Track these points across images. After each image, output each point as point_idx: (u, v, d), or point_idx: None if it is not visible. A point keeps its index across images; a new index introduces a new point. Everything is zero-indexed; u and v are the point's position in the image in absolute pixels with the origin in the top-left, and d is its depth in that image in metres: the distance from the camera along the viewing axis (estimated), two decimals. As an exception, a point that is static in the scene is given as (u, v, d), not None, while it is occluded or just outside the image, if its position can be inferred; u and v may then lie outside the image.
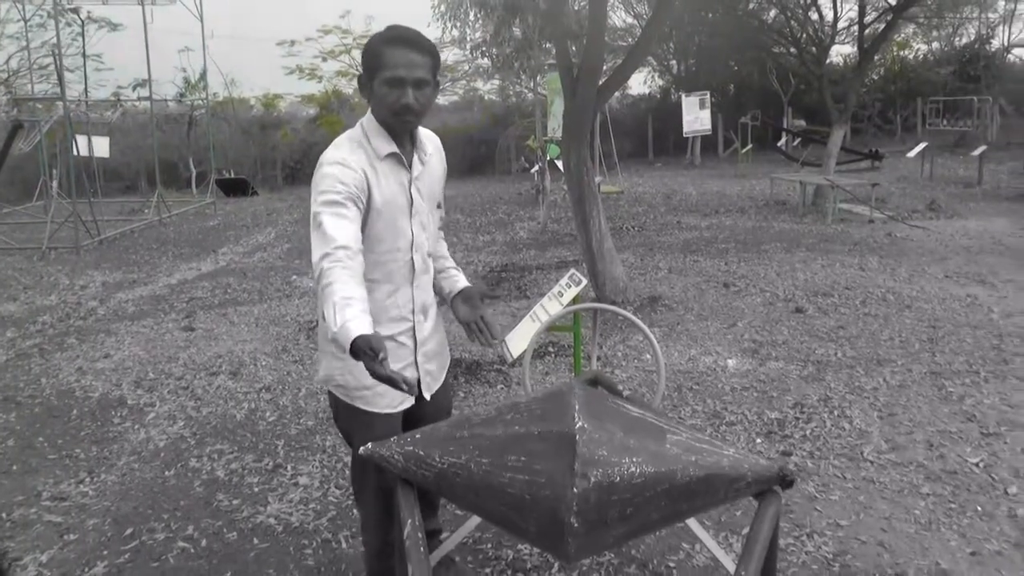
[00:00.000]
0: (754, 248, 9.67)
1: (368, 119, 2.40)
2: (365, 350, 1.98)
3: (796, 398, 4.81)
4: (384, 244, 2.40)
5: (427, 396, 2.58)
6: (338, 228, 2.20)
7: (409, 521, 2.26)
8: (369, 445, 2.41)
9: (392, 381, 2.01)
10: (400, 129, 2.37)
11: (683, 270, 8.51)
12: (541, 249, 10.31)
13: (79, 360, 6.01)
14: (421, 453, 2.32)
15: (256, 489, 3.86)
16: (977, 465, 3.90)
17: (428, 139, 2.56)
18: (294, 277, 9.12)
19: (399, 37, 2.31)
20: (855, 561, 3.15)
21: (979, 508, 3.52)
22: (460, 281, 2.72)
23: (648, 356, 5.67)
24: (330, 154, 2.34)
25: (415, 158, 2.46)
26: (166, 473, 4.07)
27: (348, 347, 2.00)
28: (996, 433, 4.24)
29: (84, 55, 18.52)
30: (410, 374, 2.51)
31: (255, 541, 3.39)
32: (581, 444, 2.06)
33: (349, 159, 2.31)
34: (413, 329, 2.52)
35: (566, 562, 2.34)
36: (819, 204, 12.68)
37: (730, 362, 5.48)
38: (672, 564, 3.15)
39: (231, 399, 5.08)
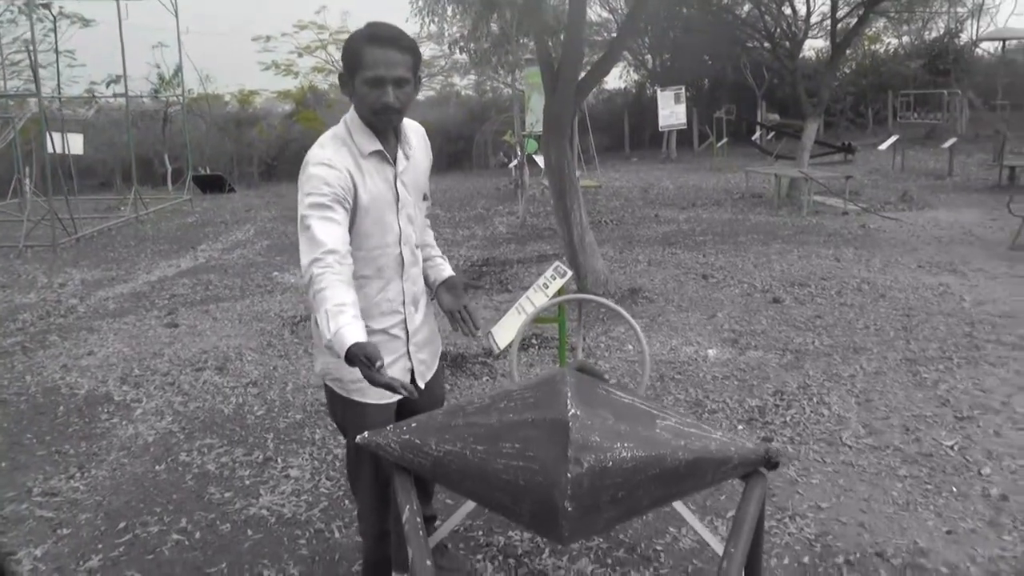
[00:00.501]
0: (731, 240, 9.78)
1: (351, 116, 2.41)
2: (360, 358, 2.03)
3: (776, 386, 4.91)
4: (372, 240, 2.43)
5: (421, 385, 2.62)
6: (326, 232, 2.22)
7: (407, 507, 2.31)
8: (365, 434, 2.45)
9: (390, 387, 2.06)
10: (382, 127, 2.39)
11: (662, 262, 8.60)
12: (521, 243, 10.37)
13: (63, 357, 5.99)
14: (417, 441, 2.37)
15: (247, 482, 3.89)
16: (952, 448, 4.01)
17: (413, 131, 2.57)
18: (275, 273, 9.10)
19: (379, 36, 2.30)
20: (836, 541, 3.24)
21: (954, 489, 3.63)
22: (445, 270, 2.76)
23: (631, 346, 5.75)
24: (315, 153, 2.35)
25: (400, 153, 2.47)
26: (156, 468, 4.08)
27: (343, 354, 2.04)
28: (969, 417, 4.36)
29: (57, 51, 18.27)
30: (403, 364, 2.56)
31: (249, 532, 3.43)
32: (574, 430, 2.12)
33: (334, 159, 2.32)
34: (405, 321, 2.56)
35: (560, 544, 2.41)
36: (794, 196, 12.82)
37: (711, 352, 5.57)
38: (659, 547, 3.23)
39: (218, 394, 5.09)
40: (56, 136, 14.02)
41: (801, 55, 18.99)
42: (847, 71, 26.71)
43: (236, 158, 23.97)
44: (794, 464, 3.90)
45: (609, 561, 3.14)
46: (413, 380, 2.60)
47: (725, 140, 20.55)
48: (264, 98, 28.72)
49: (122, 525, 3.50)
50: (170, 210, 15.78)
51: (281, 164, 24.07)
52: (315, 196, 2.25)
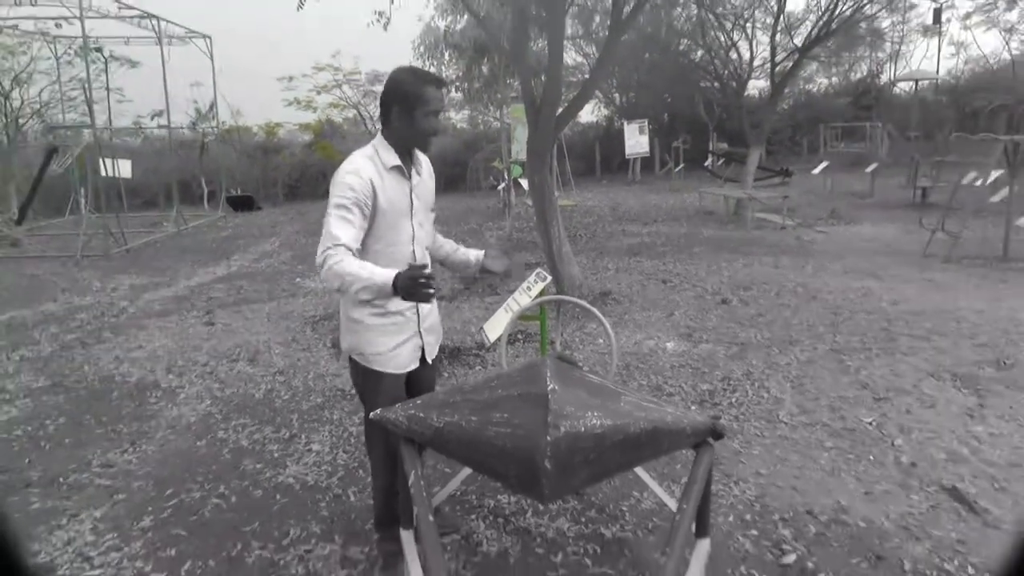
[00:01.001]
0: (687, 251, 9.86)
1: (379, 139, 2.56)
2: (405, 278, 2.21)
3: (724, 373, 4.98)
4: (389, 237, 2.56)
5: (429, 360, 2.76)
6: (341, 228, 2.37)
7: (412, 472, 2.37)
8: (378, 411, 2.51)
9: (426, 295, 2.21)
10: (422, 147, 2.60)
11: (628, 269, 8.66)
12: (507, 255, 10.40)
13: (116, 351, 5.99)
14: (421, 415, 2.43)
15: (276, 455, 3.92)
16: (870, 424, 4.09)
17: (422, 159, 2.74)
18: (298, 279, 9.10)
19: (435, 79, 2.56)
20: (772, 502, 3.31)
21: (872, 457, 3.71)
22: (473, 250, 3.00)
23: (601, 340, 5.80)
24: (345, 166, 2.51)
25: (413, 171, 2.63)
26: (198, 443, 4.11)
27: (390, 283, 2.22)
28: (885, 398, 4.44)
29: (108, 88, 18.20)
30: (415, 343, 2.70)
31: (277, 497, 3.46)
32: (553, 401, 2.18)
33: (360, 170, 2.47)
34: (416, 307, 2.68)
35: (541, 502, 2.45)
36: (740, 214, 12.90)
37: (669, 344, 5.64)
38: (625, 508, 3.28)
39: (250, 381, 5.12)
40: (108, 161, 13.96)
41: (746, 93, 19.13)
42: (786, 106, 26.89)
43: (263, 181, 23.85)
44: (738, 438, 3.97)
45: (583, 519, 3.20)
46: (423, 356, 2.69)
47: (682, 166, 20.65)
48: (287, 129, 28.59)
49: (169, 491, 3.53)
50: (206, 226, 15.72)
51: (302, 186, 23.95)
52: (339, 198, 2.41)
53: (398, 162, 2.55)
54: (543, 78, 7.14)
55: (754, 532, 3.07)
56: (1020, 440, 3.84)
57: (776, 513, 3.20)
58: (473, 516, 3.23)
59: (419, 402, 2.50)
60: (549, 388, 2.23)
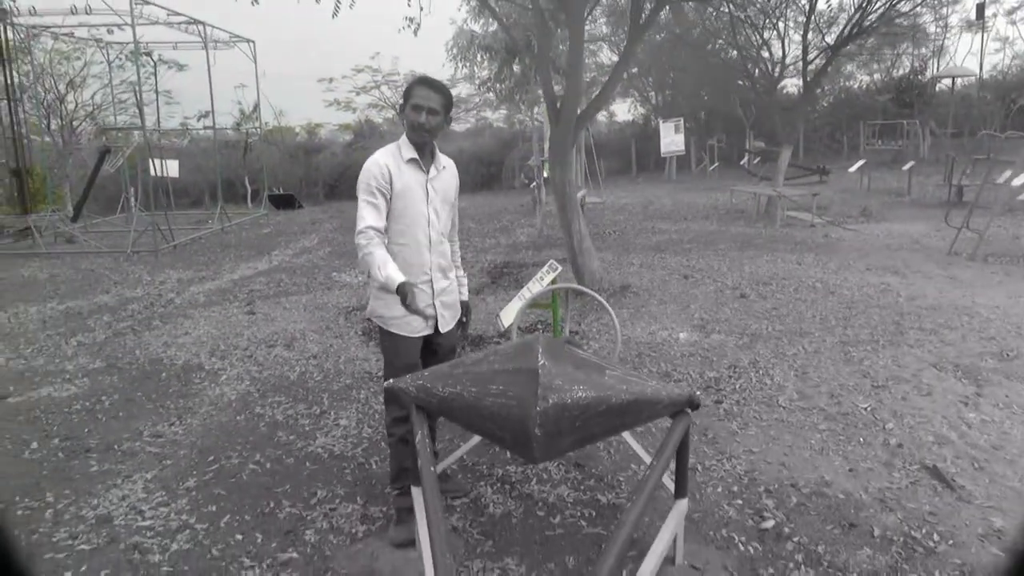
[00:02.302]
0: (712, 248, 10.05)
1: (403, 137, 3.02)
2: (404, 291, 2.68)
3: (731, 361, 5.22)
4: (407, 219, 3.00)
5: (442, 330, 3.16)
6: (369, 212, 2.90)
7: (420, 432, 2.71)
8: (391, 381, 2.86)
9: (417, 312, 2.75)
10: (419, 141, 2.97)
11: (652, 265, 8.90)
12: (537, 250, 10.71)
13: (164, 337, 6.46)
14: (428, 385, 2.76)
15: (307, 428, 4.30)
16: (865, 409, 4.31)
17: (446, 161, 3.15)
18: (334, 274, 9.54)
19: (423, 80, 2.99)
20: (761, 476, 3.57)
21: (861, 439, 3.93)
22: (462, 294, 3.31)
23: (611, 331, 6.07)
24: (370, 159, 3.00)
25: (432, 167, 3.06)
26: (237, 418, 4.51)
27: (395, 288, 2.71)
28: (884, 386, 4.64)
29: (156, 91, 19.00)
30: (429, 312, 3.08)
31: (308, 464, 3.83)
32: (542, 376, 2.49)
33: (379, 160, 2.96)
34: (431, 282, 3.11)
35: (532, 462, 2.75)
36: (770, 211, 13.02)
37: (681, 335, 5.89)
38: (622, 478, 3.58)
39: (286, 364, 5.52)
40: (156, 162, 14.64)
41: (784, 91, 19.13)
42: (825, 104, 26.71)
43: (304, 180, 24.58)
44: (736, 420, 4.23)
45: (582, 487, 3.50)
46: (436, 325, 3.07)
47: (716, 164, 20.71)
48: (327, 129, 29.35)
49: (211, 458, 3.93)
50: (249, 223, 16.33)
51: (342, 185, 24.62)
52: (364, 184, 2.93)
53: (414, 155, 2.98)
54: (564, 76, 7.42)
55: (739, 501, 3.33)
56: (1009, 426, 4.02)
57: (762, 485, 3.46)
58: (482, 483, 3.56)
59: (427, 374, 2.84)
60: (540, 364, 2.54)
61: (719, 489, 3.45)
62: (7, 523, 2.73)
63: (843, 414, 4.25)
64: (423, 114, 2.92)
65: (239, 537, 3.13)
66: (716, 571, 2.82)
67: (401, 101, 3.06)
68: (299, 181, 24.58)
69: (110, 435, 4.27)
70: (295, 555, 2.99)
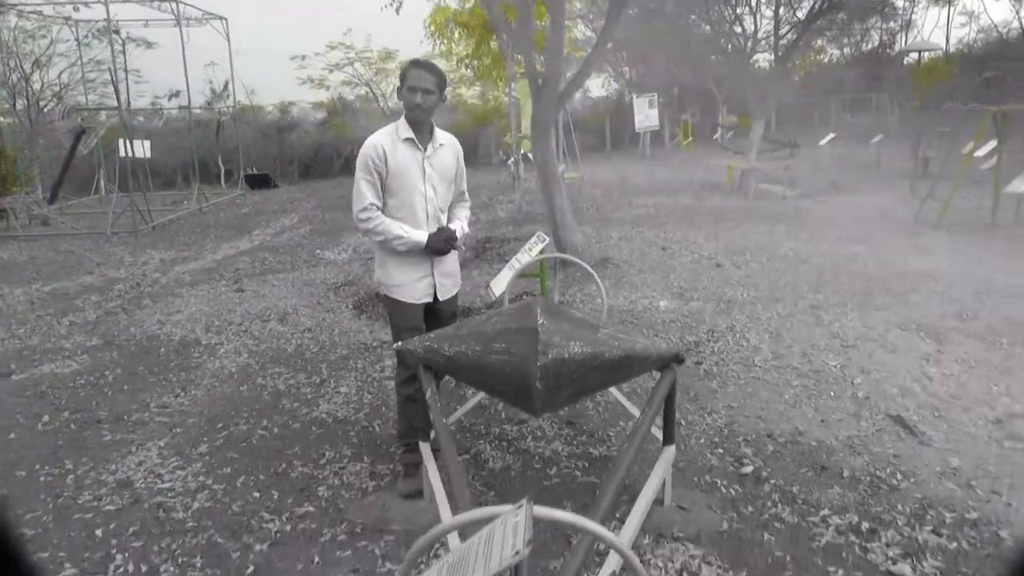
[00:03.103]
0: (688, 221, 10.33)
1: (402, 118, 3.21)
2: (436, 241, 3.19)
3: (709, 326, 5.50)
4: (403, 194, 3.22)
5: (441, 298, 3.37)
6: (367, 189, 3.15)
7: (429, 389, 2.93)
8: (400, 343, 3.09)
9: (453, 245, 3.29)
10: (416, 119, 3.17)
11: (631, 238, 9.16)
12: (517, 225, 10.90)
13: (157, 315, 6.59)
14: (435, 346, 2.99)
15: (310, 396, 4.50)
16: (835, 366, 4.62)
17: (444, 137, 3.33)
18: (317, 251, 9.67)
19: (417, 63, 3.20)
20: (740, 428, 3.85)
21: (832, 394, 4.23)
22: (452, 224, 3.43)
23: (599, 300, 6.32)
24: (368, 139, 3.19)
25: (430, 145, 3.23)
26: (240, 388, 4.70)
27: (425, 243, 3.16)
28: (852, 345, 4.96)
29: (125, 70, 18.73)
30: (428, 281, 3.31)
31: (314, 429, 4.05)
32: (542, 333, 2.72)
33: (375, 141, 3.15)
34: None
35: (534, 415, 3.00)
36: (743, 185, 13.33)
37: (662, 303, 6.16)
38: (611, 433, 3.84)
39: (281, 338, 5.70)
40: (126, 142, 14.54)
41: (755, 65, 19.36)
42: (796, 78, 27.04)
43: (279, 159, 24.43)
44: (716, 379, 4.51)
45: (575, 442, 3.75)
46: (435, 295, 3.29)
47: (690, 139, 20.98)
48: (300, 108, 29.07)
49: (220, 425, 4.12)
50: (226, 203, 16.32)
51: (317, 164, 24.52)
52: (361, 163, 3.15)
53: (410, 135, 3.17)
54: (546, 54, 7.59)
55: (720, 450, 3.61)
56: (967, 379, 4.35)
57: (741, 436, 3.74)
58: (481, 441, 3.80)
59: (433, 335, 3.06)
60: (539, 323, 2.77)
61: (702, 440, 3.73)
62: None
63: (815, 371, 4.56)
64: (418, 94, 3.10)
65: (256, 495, 3.34)
66: (701, 511, 3.09)
67: (394, 82, 3.27)
68: (273, 160, 24.41)
69: (118, 407, 4.44)
70: (311, 509, 3.21)
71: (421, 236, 3.18)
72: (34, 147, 17.92)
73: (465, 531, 1.96)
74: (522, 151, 13.66)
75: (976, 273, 6.67)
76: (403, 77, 3.16)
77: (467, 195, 3.57)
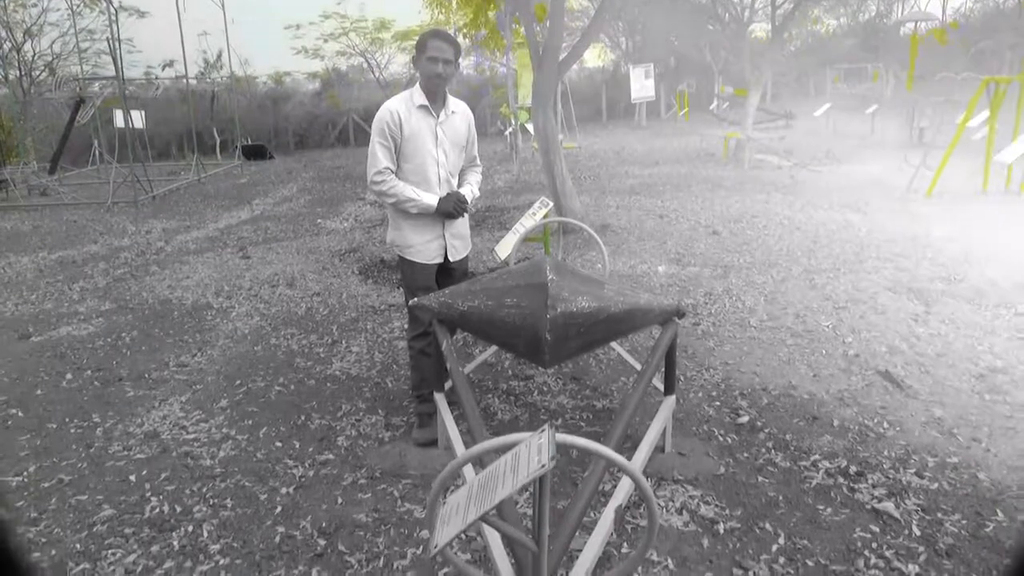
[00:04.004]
0: (685, 189, 10.48)
1: (416, 86, 3.34)
2: (446, 205, 3.34)
3: (707, 290, 5.68)
4: (417, 159, 3.36)
5: (451, 259, 3.52)
6: (382, 153, 3.28)
7: (444, 341, 3.11)
8: (416, 299, 3.25)
9: (460, 208, 3.41)
10: (434, 88, 3.29)
11: (628, 207, 9.32)
12: (516, 194, 11.05)
13: (167, 280, 6.73)
14: (450, 301, 3.16)
15: (322, 355, 4.68)
16: (828, 326, 4.81)
17: (456, 104, 3.47)
18: (319, 220, 9.80)
19: (437, 34, 3.29)
20: (736, 383, 4.05)
21: (824, 351, 4.43)
22: (462, 188, 3.57)
23: (599, 266, 6.50)
24: (383, 105, 3.32)
25: (443, 112, 3.37)
26: (255, 348, 4.87)
27: (435, 205, 3.32)
28: (844, 307, 5.15)
29: (119, 39, 18.61)
30: (439, 243, 3.47)
31: (328, 385, 4.23)
32: (551, 288, 2.89)
33: (391, 107, 3.28)
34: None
35: (544, 366, 3.18)
36: (739, 155, 13.46)
37: (660, 268, 6.34)
38: (614, 388, 4.03)
39: (291, 301, 5.87)
40: (120, 113, 14.55)
41: (752, 35, 19.35)
42: (792, 48, 27.02)
43: (274, 130, 24.39)
44: (713, 339, 4.70)
45: (579, 396, 3.95)
46: (446, 255, 3.44)
47: (686, 109, 21.04)
48: (294, 78, 28.96)
49: (238, 382, 4.30)
50: (223, 174, 16.38)
51: (311, 135, 24.50)
52: (377, 128, 3.27)
53: (423, 102, 3.30)
54: (547, 24, 7.68)
55: (717, 403, 3.81)
56: (953, 338, 4.55)
57: (737, 390, 3.94)
58: (489, 395, 3.99)
59: (448, 291, 3.23)
60: (548, 279, 2.94)
61: (700, 394, 3.93)
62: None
63: (808, 331, 4.75)
64: (440, 64, 3.22)
65: (278, 444, 3.53)
66: (700, 457, 3.29)
67: (415, 54, 3.33)
68: (268, 131, 24.38)
69: (138, 366, 4.61)
70: (331, 456, 3.40)
71: (432, 199, 3.33)
72: (29, 117, 17.89)
73: (485, 460, 2.15)
74: (519, 122, 13.74)
75: (965, 238, 6.85)
76: (423, 47, 3.24)
77: (478, 160, 3.69)
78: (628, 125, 24.13)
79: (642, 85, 19.94)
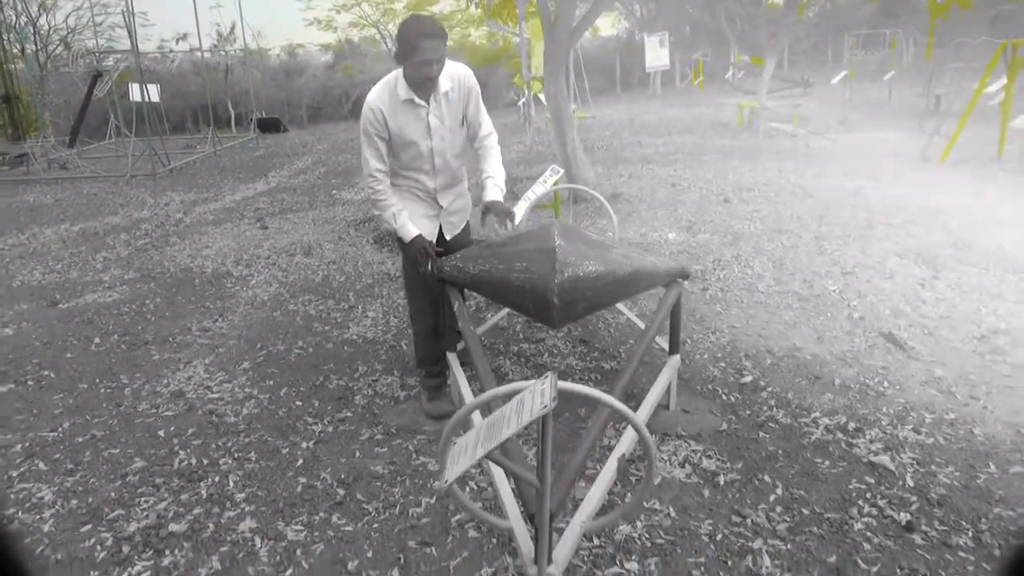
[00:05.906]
0: (697, 158, 10.49)
1: (400, 73, 3.10)
2: (417, 248, 3.21)
3: (716, 256, 5.76)
4: (408, 154, 3.22)
5: (448, 237, 3.51)
6: (371, 156, 3.16)
7: (456, 303, 3.23)
8: (423, 268, 3.37)
9: (425, 256, 3.25)
10: (420, 90, 3.08)
11: (640, 176, 9.36)
12: (528, 165, 11.09)
13: (187, 250, 6.90)
14: (461, 265, 3.28)
15: (340, 320, 4.83)
16: (834, 291, 4.88)
17: (448, 82, 3.13)
18: (334, 192, 9.92)
19: (431, 31, 2.91)
20: (741, 344, 4.15)
21: (829, 315, 4.51)
22: (489, 192, 3.33)
23: (610, 233, 6.58)
24: (368, 98, 3.11)
25: (432, 97, 3.12)
26: (274, 314, 5.03)
27: (408, 240, 3.20)
28: (851, 272, 5.22)
29: (132, 12, 18.69)
30: (435, 224, 3.43)
31: (345, 348, 4.37)
32: (559, 253, 3.00)
33: (372, 104, 3.07)
34: (436, 199, 3.42)
35: (552, 327, 3.30)
36: (753, 124, 13.39)
37: (671, 235, 6.41)
38: (621, 350, 4.15)
39: (308, 269, 6.01)
40: (138, 87, 14.68)
41: (768, 1, 19.13)
42: (810, 14, 26.62)
43: (288, 103, 24.47)
44: (720, 303, 4.80)
45: (588, 358, 4.07)
46: (441, 233, 3.47)
47: (701, 78, 20.86)
48: (307, 51, 28.95)
49: (259, 345, 4.46)
50: (239, 147, 16.50)
51: (325, 107, 24.55)
52: (363, 130, 3.14)
53: (408, 96, 3.06)
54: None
55: (722, 364, 3.92)
56: (958, 302, 4.62)
57: (742, 351, 4.05)
58: (500, 357, 4.12)
59: (459, 255, 3.35)
60: (556, 244, 3.04)
61: (705, 356, 4.04)
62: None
63: (814, 295, 4.83)
64: (434, 67, 2.96)
65: (299, 403, 3.69)
66: (703, 414, 3.41)
67: (400, 52, 2.99)
68: (282, 104, 24.46)
69: (162, 331, 4.78)
70: (349, 414, 3.55)
71: (407, 233, 3.20)
72: (45, 91, 18.07)
73: (492, 407, 2.28)
74: (532, 93, 13.72)
75: (977, 206, 6.86)
76: (413, 48, 2.89)
77: (493, 133, 3.43)
78: (643, 95, 23.96)
79: (657, 54, 19.73)
